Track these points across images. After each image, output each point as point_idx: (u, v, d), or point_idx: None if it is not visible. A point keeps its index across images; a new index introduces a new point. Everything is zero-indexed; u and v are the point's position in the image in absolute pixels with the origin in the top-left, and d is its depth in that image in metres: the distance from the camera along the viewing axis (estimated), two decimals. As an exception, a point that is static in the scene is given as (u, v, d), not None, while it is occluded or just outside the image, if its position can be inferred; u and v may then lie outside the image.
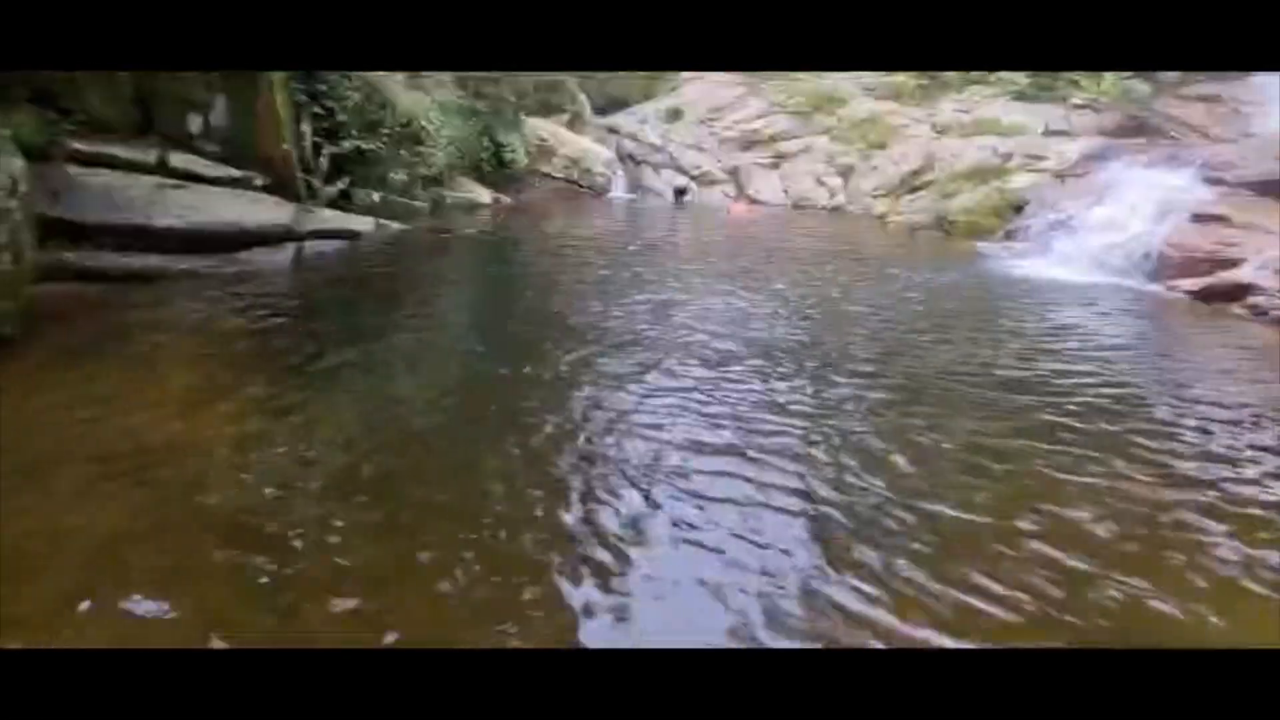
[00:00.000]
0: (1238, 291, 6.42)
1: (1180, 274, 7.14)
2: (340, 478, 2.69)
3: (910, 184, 12.20)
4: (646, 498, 2.67)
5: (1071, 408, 3.72)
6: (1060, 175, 10.13)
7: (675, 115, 16.62)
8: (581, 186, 14.19)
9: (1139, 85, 10.80)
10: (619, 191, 15.09)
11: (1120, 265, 7.79)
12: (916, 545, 2.43)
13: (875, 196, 12.66)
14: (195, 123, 5.85)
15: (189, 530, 2.31)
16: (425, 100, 9.21)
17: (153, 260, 5.16)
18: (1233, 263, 6.71)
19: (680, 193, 14.87)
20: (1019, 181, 10.62)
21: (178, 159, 5.68)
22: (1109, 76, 11.13)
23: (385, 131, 8.29)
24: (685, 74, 17.46)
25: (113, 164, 5.33)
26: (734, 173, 15.43)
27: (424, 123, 8.91)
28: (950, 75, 13.72)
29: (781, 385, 3.90)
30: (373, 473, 2.74)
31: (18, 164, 3.81)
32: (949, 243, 10.08)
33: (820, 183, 14.18)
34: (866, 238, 10.46)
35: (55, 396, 3.15)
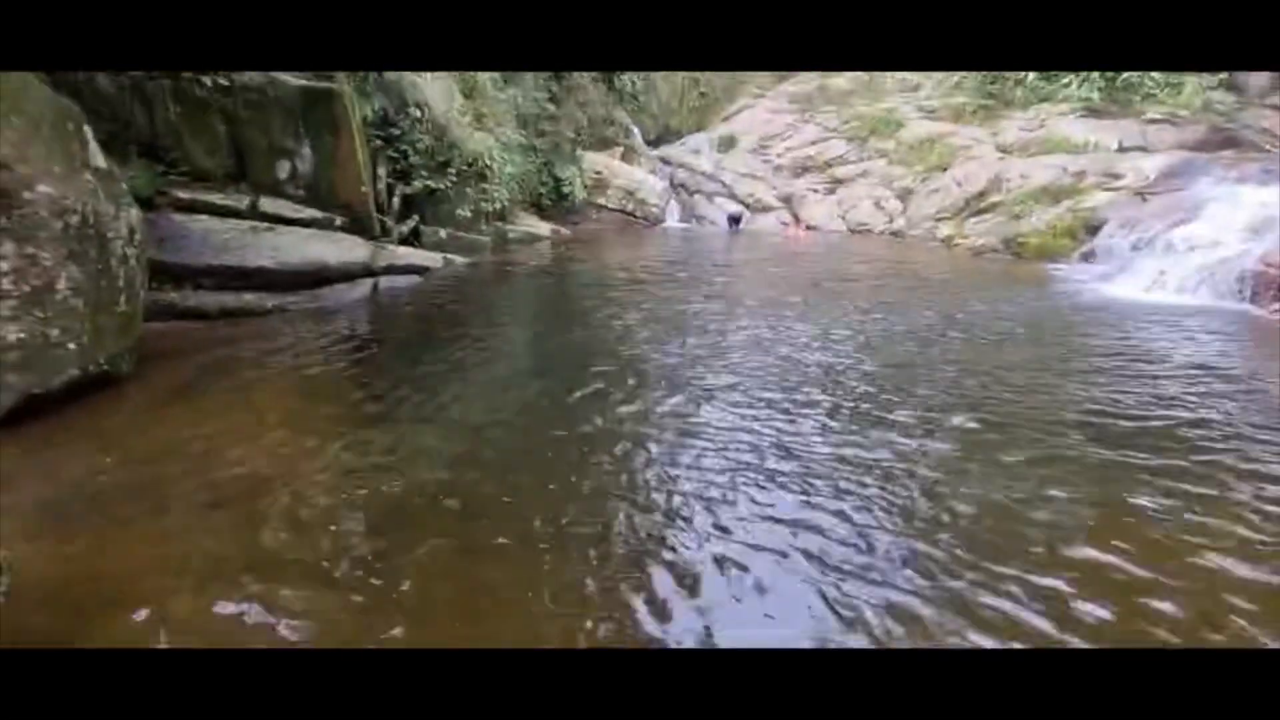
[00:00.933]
0: (1350, 313, 5.98)
1: (1282, 295, 6.70)
2: (427, 504, 2.76)
3: (975, 206, 11.89)
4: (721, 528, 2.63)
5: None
6: (1140, 193, 9.70)
7: (728, 143, 16.74)
8: (636, 217, 14.42)
9: (1222, 95, 10.27)
10: (673, 221, 15.25)
11: (1211, 286, 7.36)
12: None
13: (938, 220, 12.39)
14: (284, 169, 6.23)
15: (291, 557, 2.40)
16: (490, 140, 9.57)
17: (247, 298, 5.49)
18: (1343, 282, 6.26)
19: (734, 220, 14.90)
20: (1093, 200, 10.22)
21: (267, 203, 6.06)
22: (1188, 87, 10.64)
23: (453, 171, 8.64)
24: (736, 105, 17.64)
25: (210, 210, 5.73)
26: (788, 199, 15.38)
27: (488, 161, 9.25)
28: (1014, 94, 13.39)
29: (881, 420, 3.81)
30: (461, 501, 2.80)
31: (135, 214, 4.13)
32: (1020, 265, 9.73)
33: (879, 207, 13.98)
34: (933, 260, 10.21)
35: (166, 430, 3.35)
